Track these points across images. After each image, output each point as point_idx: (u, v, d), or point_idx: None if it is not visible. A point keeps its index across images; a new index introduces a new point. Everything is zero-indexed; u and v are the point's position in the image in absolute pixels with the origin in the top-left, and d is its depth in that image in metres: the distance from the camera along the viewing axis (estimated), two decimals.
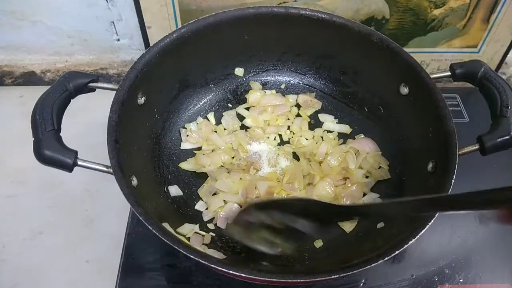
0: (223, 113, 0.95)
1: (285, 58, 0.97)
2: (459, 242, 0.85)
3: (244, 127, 0.94)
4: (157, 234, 0.61)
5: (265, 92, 0.98)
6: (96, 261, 0.81)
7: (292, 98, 0.98)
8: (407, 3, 0.97)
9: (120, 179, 0.65)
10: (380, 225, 0.79)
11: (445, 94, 0.78)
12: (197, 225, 0.79)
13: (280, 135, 0.93)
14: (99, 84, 0.74)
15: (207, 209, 0.83)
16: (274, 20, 0.87)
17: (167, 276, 0.79)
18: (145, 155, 0.82)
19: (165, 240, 0.60)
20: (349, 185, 0.85)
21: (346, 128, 0.94)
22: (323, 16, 0.86)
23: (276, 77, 0.99)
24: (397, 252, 0.61)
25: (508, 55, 1.09)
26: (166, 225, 0.70)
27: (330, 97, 0.98)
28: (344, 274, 0.59)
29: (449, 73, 0.79)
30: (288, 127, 0.95)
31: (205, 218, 0.82)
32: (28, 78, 1.10)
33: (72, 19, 1.02)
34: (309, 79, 0.99)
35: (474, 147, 0.72)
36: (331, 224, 0.73)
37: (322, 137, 0.93)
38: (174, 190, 0.83)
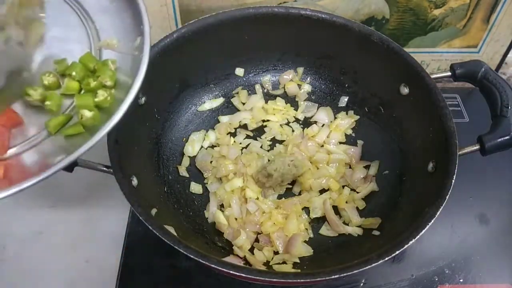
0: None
1: (285, 58, 0.97)
2: (459, 242, 0.85)
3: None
4: (157, 234, 0.61)
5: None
6: (96, 261, 0.81)
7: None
8: (407, 3, 0.97)
9: (120, 179, 0.65)
10: (376, 232, 0.79)
11: (445, 94, 0.78)
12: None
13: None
14: None
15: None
16: (274, 20, 0.87)
17: (167, 276, 0.79)
18: (145, 155, 0.82)
19: (165, 240, 0.60)
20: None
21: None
22: (323, 16, 0.86)
23: (276, 77, 1.00)
24: (397, 252, 0.61)
25: (508, 55, 1.09)
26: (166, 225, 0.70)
27: (330, 97, 0.98)
28: (344, 274, 0.59)
29: (449, 73, 0.79)
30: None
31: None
32: None
33: None
34: (309, 79, 0.99)
35: (474, 147, 0.72)
36: None
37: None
38: None
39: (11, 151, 0.60)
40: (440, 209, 0.64)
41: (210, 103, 0.96)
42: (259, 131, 0.94)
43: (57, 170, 0.54)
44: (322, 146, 0.91)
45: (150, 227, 0.61)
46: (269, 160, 0.86)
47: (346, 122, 0.94)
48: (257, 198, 0.83)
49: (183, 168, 0.87)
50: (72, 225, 0.85)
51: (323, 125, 0.95)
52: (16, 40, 0.61)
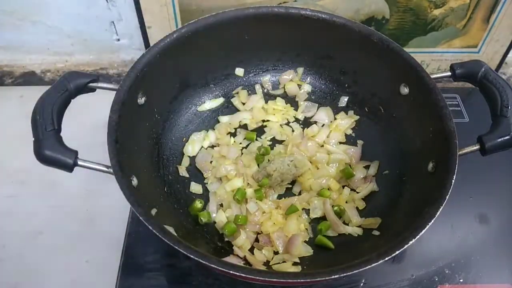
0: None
1: (285, 58, 0.97)
2: (459, 242, 0.85)
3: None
4: (157, 234, 0.61)
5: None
6: (96, 261, 0.81)
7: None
8: (407, 3, 0.97)
9: (120, 179, 0.64)
10: (376, 232, 0.79)
11: (445, 94, 0.78)
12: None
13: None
14: (99, 84, 0.73)
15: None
16: (274, 20, 0.87)
17: (167, 276, 0.78)
18: (145, 155, 0.82)
19: (165, 240, 0.60)
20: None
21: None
22: (323, 16, 0.86)
23: (276, 77, 0.99)
24: (397, 252, 0.61)
25: (508, 55, 1.09)
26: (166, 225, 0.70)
27: (330, 97, 0.98)
28: (344, 274, 0.59)
29: (449, 73, 0.79)
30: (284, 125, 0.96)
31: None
32: (28, 78, 1.10)
33: (72, 19, 1.02)
34: (309, 79, 0.99)
35: (474, 147, 0.72)
36: None
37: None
38: None
39: None
40: (440, 209, 0.64)
41: (210, 103, 0.96)
42: (259, 131, 0.94)
43: None
44: (322, 146, 0.91)
45: (150, 227, 0.61)
46: (268, 160, 0.86)
47: (346, 122, 0.94)
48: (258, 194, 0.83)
49: (183, 168, 0.87)
50: (72, 225, 0.85)
51: (323, 125, 0.95)
52: None
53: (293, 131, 0.94)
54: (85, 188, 0.89)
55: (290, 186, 0.86)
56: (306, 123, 0.96)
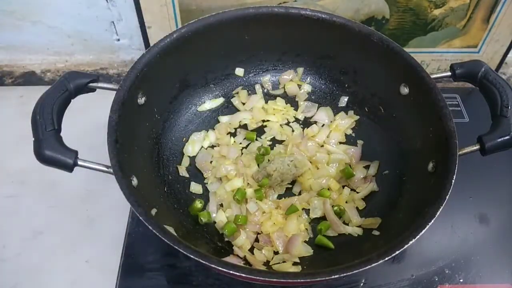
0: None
1: (285, 58, 0.97)
2: (459, 242, 0.85)
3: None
4: (157, 234, 0.61)
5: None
6: (96, 261, 0.81)
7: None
8: (407, 3, 0.97)
9: (120, 179, 0.65)
10: (376, 232, 0.79)
11: (445, 94, 0.78)
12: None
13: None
14: (99, 84, 0.74)
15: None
16: (274, 20, 0.87)
17: (167, 276, 0.79)
18: (145, 155, 0.82)
19: (165, 240, 0.60)
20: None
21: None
22: (323, 16, 0.86)
23: (276, 77, 1.00)
24: (397, 252, 0.61)
25: (508, 55, 1.09)
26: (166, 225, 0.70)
27: (330, 97, 0.98)
28: (344, 274, 0.59)
29: (449, 73, 0.79)
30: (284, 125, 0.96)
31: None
32: (28, 78, 1.10)
33: (72, 19, 1.02)
34: (309, 79, 0.99)
35: (474, 147, 0.72)
36: None
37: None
38: None
39: None
40: (440, 209, 0.64)
41: (210, 103, 0.96)
42: (259, 131, 0.94)
43: None
44: (322, 146, 0.91)
45: (150, 227, 0.61)
46: (268, 160, 0.86)
47: (346, 122, 0.94)
48: (258, 194, 0.83)
49: (183, 168, 0.87)
50: (72, 225, 0.85)
51: (323, 125, 0.95)
52: None
53: (293, 131, 0.94)
54: (85, 188, 0.89)
55: (290, 186, 0.86)
56: (306, 123, 0.96)
